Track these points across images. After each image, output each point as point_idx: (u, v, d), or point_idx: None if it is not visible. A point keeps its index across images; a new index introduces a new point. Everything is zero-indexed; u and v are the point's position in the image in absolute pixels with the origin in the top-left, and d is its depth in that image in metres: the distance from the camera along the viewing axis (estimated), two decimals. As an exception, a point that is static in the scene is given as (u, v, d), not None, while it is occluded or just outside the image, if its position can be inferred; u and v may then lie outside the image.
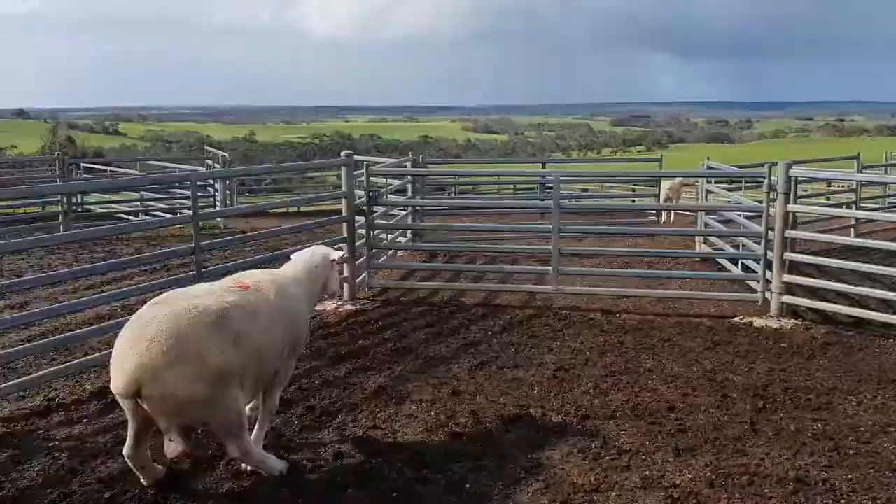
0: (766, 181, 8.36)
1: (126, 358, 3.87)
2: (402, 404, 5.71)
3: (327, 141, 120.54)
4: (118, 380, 3.89)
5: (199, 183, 11.47)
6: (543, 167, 17.83)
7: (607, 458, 4.80)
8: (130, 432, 4.16)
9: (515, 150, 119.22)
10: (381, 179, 11.15)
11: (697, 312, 8.48)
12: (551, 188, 10.26)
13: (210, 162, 19.06)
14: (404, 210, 12.13)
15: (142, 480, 4.31)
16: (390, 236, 11.48)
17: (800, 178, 8.81)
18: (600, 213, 15.33)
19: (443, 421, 5.35)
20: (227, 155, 19.65)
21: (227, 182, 17.57)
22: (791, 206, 8.11)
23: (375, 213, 9.45)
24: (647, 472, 4.59)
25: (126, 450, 4.22)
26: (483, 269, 10.84)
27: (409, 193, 12.56)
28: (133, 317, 4.09)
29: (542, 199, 14.70)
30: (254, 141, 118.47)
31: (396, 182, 12.24)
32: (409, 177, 12.52)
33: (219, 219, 16.00)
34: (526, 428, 5.26)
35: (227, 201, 17.45)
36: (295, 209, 18.19)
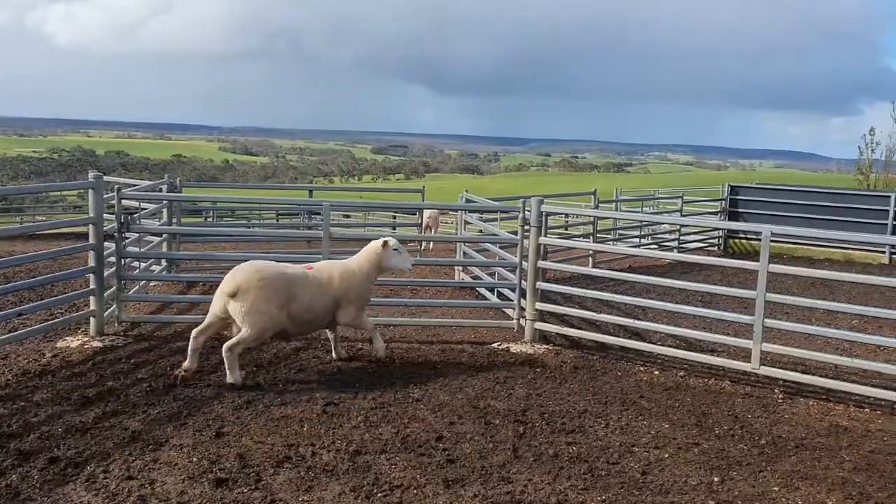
0: (521, 215, 8.90)
1: (235, 278, 6.57)
2: (160, 450, 5.27)
3: (67, 157, 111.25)
4: (229, 284, 6.56)
5: None
6: (311, 195, 17.62)
7: (380, 494, 4.76)
8: (205, 321, 6.76)
9: (276, 173, 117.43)
10: (133, 203, 10.36)
11: (459, 339, 8.79)
12: (318, 215, 10.15)
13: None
14: (159, 236, 11.36)
15: (185, 362, 6.69)
16: (143, 265, 10.69)
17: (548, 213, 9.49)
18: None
19: (206, 467, 5.02)
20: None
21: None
22: (543, 239, 8.70)
23: (127, 241, 8.75)
24: (419, 507, 4.62)
25: (195, 331, 6.73)
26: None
27: (164, 218, 11.79)
28: (244, 264, 6.78)
29: (311, 227, 14.52)
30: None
31: (151, 206, 11.44)
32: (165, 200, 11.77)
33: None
34: (296, 469, 5.07)
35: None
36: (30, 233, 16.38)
